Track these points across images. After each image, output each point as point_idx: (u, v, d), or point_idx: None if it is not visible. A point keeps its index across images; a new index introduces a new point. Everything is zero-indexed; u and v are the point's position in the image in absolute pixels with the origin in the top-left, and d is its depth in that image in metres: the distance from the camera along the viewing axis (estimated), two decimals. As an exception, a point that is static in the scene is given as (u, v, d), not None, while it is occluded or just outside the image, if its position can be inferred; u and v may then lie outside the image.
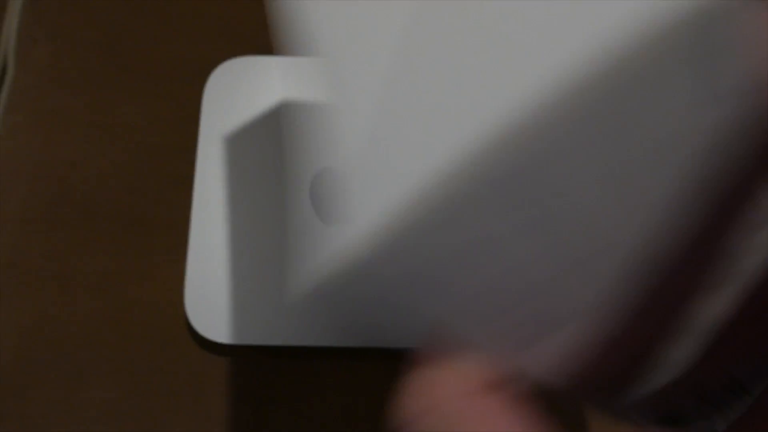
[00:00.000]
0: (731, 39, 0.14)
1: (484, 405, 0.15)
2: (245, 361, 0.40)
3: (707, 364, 0.19)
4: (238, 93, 0.41)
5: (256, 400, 0.39)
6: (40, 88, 0.47)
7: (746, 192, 0.16)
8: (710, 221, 0.17)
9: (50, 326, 0.41)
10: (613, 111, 0.14)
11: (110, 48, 0.47)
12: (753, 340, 0.20)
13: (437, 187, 0.14)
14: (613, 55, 0.13)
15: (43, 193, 0.43)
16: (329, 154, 0.19)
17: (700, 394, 0.21)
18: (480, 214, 0.15)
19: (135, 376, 0.40)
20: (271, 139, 0.40)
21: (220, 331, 0.37)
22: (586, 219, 0.16)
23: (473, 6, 0.15)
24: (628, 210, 0.16)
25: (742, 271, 0.18)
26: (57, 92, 0.46)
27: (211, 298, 0.38)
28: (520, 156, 0.14)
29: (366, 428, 0.39)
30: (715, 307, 0.18)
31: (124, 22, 0.47)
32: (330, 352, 0.40)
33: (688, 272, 0.18)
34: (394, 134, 0.15)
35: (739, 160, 0.15)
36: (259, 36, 0.47)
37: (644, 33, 0.13)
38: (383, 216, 0.14)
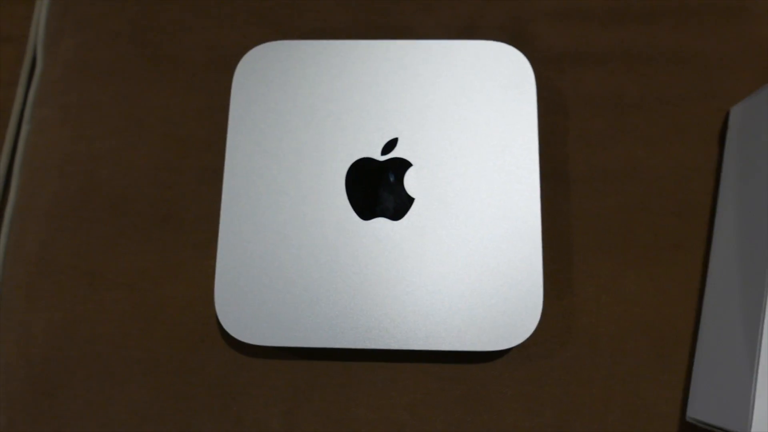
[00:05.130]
0: None
1: None
2: (277, 362, 0.39)
3: None
4: (267, 79, 0.39)
5: (288, 403, 0.38)
6: (68, 81, 0.46)
7: None
8: None
9: (80, 324, 0.40)
10: None
11: (138, 38, 0.46)
12: None
13: None
14: None
15: (72, 188, 0.43)
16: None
17: None
18: None
19: (165, 377, 0.39)
20: (302, 123, 0.38)
21: (252, 333, 0.36)
22: None
23: None
24: None
25: None
26: (85, 85, 0.45)
27: (242, 299, 0.36)
28: None
29: (413, 424, 0.37)
30: None
31: (152, 12, 0.46)
32: (365, 354, 0.38)
33: None
34: None
35: None
36: (288, 20, 0.45)
37: None
38: None
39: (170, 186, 0.42)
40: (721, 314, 0.37)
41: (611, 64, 0.43)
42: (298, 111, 0.39)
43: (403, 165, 0.38)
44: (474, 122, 0.38)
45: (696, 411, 0.36)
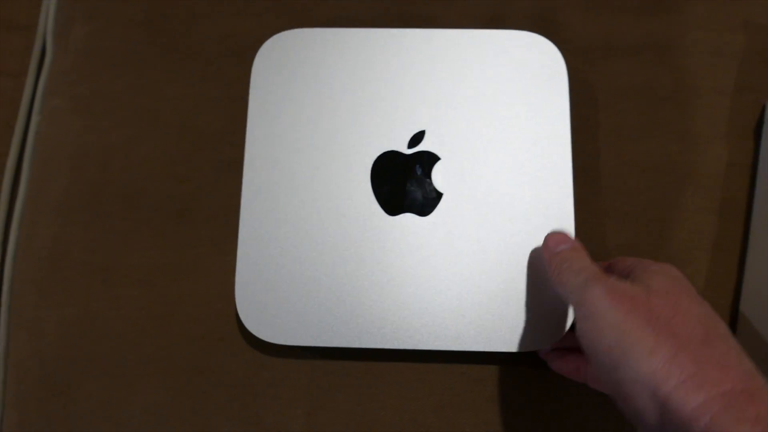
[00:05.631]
0: None
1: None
2: (299, 362, 0.37)
3: None
4: (288, 68, 0.38)
5: (310, 404, 0.37)
6: (80, 71, 0.44)
7: None
8: None
9: (93, 321, 0.39)
10: None
11: (152, 26, 0.44)
12: None
13: None
14: None
15: (84, 180, 0.41)
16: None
17: None
18: None
19: (182, 376, 0.37)
20: (325, 114, 0.37)
21: (274, 332, 0.35)
22: None
23: None
24: None
25: None
26: (97, 74, 0.44)
27: (263, 297, 0.35)
28: None
29: (440, 427, 0.36)
30: None
31: (166, -1, 0.45)
32: (390, 354, 0.37)
33: None
34: None
35: None
36: (306, 10, 0.44)
37: None
38: None
39: (186, 179, 0.41)
40: (758, 315, 0.35)
41: (643, 55, 0.42)
42: (320, 102, 0.37)
43: (431, 159, 0.36)
44: (504, 115, 0.37)
45: None
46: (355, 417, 0.36)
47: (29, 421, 0.38)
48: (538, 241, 0.35)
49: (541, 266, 0.34)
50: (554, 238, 0.33)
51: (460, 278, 0.35)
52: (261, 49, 0.39)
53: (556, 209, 0.35)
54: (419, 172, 0.36)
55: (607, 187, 0.39)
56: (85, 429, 0.37)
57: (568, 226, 0.35)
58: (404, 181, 0.36)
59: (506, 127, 0.36)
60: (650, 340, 0.24)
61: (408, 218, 0.36)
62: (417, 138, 0.37)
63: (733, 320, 0.37)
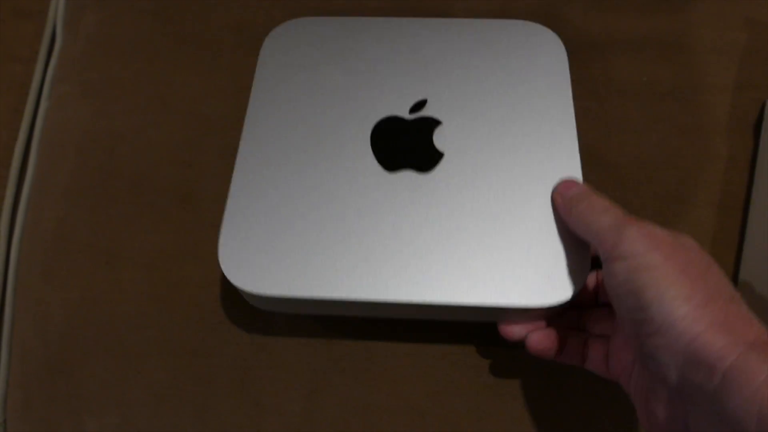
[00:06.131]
0: None
1: None
2: (297, 345, 0.38)
3: None
4: (295, 53, 0.38)
5: (308, 387, 0.37)
6: (89, 58, 0.45)
7: None
8: None
9: (97, 304, 0.39)
10: None
11: (162, 15, 0.45)
12: None
13: None
14: None
15: (91, 165, 0.42)
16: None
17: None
18: None
19: (183, 357, 0.38)
20: (328, 89, 0.37)
21: (257, 281, 0.31)
22: None
23: None
24: None
25: None
26: (106, 62, 0.44)
27: (249, 244, 0.32)
28: None
29: (427, 424, 0.37)
30: None
31: (175, -11, 0.45)
32: (386, 330, 0.37)
33: None
34: None
35: None
36: (315, 1, 0.44)
37: None
38: None
39: (191, 164, 0.41)
40: (754, 308, 0.36)
41: (646, 51, 0.42)
42: (324, 78, 0.37)
43: (432, 124, 0.36)
44: (507, 91, 0.36)
45: None
46: (351, 400, 0.37)
47: (33, 400, 0.38)
48: (547, 192, 0.33)
49: (551, 217, 0.32)
50: (565, 183, 0.32)
51: (465, 231, 0.32)
52: (271, 33, 0.39)
53: (563, 163, 0.34)
54: (420, 132, 0.35)
55: (608, 180, 0.40)
56: (87, 408, 0.38)
57: (577, 178, 0.33)
58: (404, 143, 0.35)
59: (509, 101, 0.36)
60: (687, 286, 0.24)
61: (408, 174, 0.34)
62: (419, 106, 0.36)
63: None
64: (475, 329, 0.38)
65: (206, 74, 0.43)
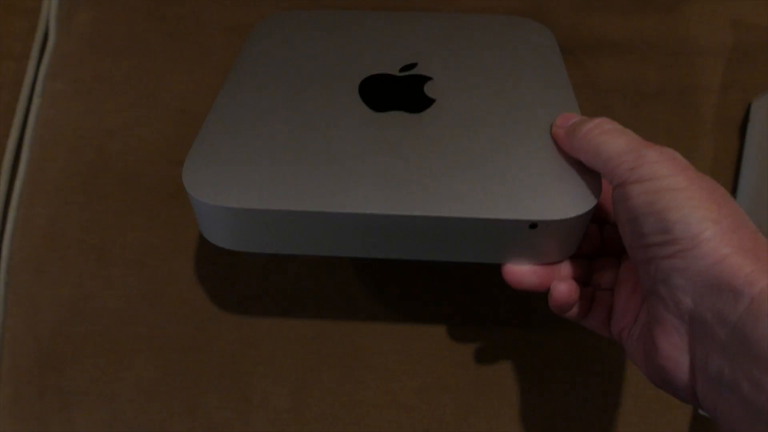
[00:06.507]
0: None
1: None
2: (285, 342, 0.38)
3: None
4: (282, 40, 0.37)
5: (296, 383, 0.38)
6: (82, 55, 0.45)
7: None
8: None
9: (88, 300, 0.40)
10: None
11: (155, 14, 0.45)
12: None
13: None
14: None
15: (82, 162, 0.42)
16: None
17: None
18: None
19: (173, 354, 0.38)
20: (317, 62, 0.35)
21: (220, 193, 0.27)
22: None
23: None
24: None
25: None
26: (99, 59, 0.45)
27: (219, 158, 0.29)
28: None
29: (415, 420, 0.37)
30: None
31: (168, -13, 0.45)
32: (372, 329, 0.38)
33: None
34: None
35: None
36: (309, 0, 0.45)
37: None
38: None
39: (181, 162, 0.41)
40: None
41: (633, 53, 0.42)
42: (313, 50, 0.36)
43: (423, 79, 0.34)
44: (499, 58, 0.35)
45: None
46: (339, 396, 0.37)
47: (23, 396, 0.39)
48: (546, 124, 0.30)
49: (554, 147, 0.29)
50: (564, 116, 0.30)
51: (466, 151, 0.29)
52: (260, 22, 0.39)
53: (560, 104, 0.31)
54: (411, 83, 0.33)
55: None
56: (77, 404, 0.38)
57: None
58: (394, 91, 0.33)
59: (502, 64, 0.34)
60: (714, 210, 0.23)
61: (397, 114, 0.31)
62: (409, 67, 0.35)
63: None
64: (464, 324, 0.38)
65: (198, 73, 0.43)
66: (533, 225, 0.27)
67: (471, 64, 0.34)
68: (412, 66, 0.35)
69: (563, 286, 0.29)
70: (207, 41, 0.44)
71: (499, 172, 0.28)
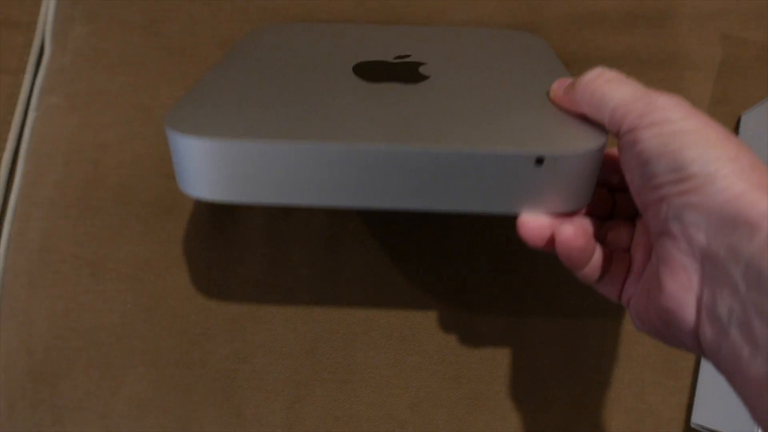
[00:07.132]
0: None
1: None
2: (279, 356, 0.38)
3: None
4: (271, 44, 0.37)
5: (289, 398, 0.38)
6: (78, 70, 0.45)
7: None
8: None
9: (82, 314, 0.40)
10: None
11: (150, 29, 0.45)
12: None
13: None
14: None
15: (77, 176, 0.42)
16: None
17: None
18: None
19: (166, 368, 0.38)
20: (309, 58, 0.34)
21: (202, 126, 0.25)
22: None
23: None
24: None
25: None
26: (94, 74, 0.45)
27: (200, 108, 0.27)
28: None
29: (415, 422, 0.37)
30: None
31: (164, 3, 0.46)
32: (365, 342, 0.38)
33: None
34: None
35: None
36: (301, 16, 0.45)
37: None
38: None
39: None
40: None
41: (623, 68, 0.43)
42: (305, 45, 0.36)
43: (417, 64, 0.33)
44: (493, 52, 0.35)
45: (701, 417, 0.36)
46: (332, 411, 0.37)
47: (16, 410, 0.39)
48: (545, 88, 0.30)
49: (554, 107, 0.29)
50: (559, 80, 0.29)
51: (465, 105, 0.28)
52: (245, 35, 0.39)
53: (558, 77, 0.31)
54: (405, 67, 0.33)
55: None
56: (70, 418, 0.38)
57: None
58: (387, 69, 0.32)
59: (496, 57, 0.35)
60: (731, 150, 0.23)
61: (391, 85, 0.30)
62: (402, 57, 0.35)
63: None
64: (457, 338, 0.38)
65: (192, 87, 0.44)
66: (539, 160, 0.25)
67: (468, 61, 0.34)
68: (406, 57, 0.34)
69: (568, 227, 0.27)
70: (202, 56, 0.44)
71: (504, 114, 0.27)
